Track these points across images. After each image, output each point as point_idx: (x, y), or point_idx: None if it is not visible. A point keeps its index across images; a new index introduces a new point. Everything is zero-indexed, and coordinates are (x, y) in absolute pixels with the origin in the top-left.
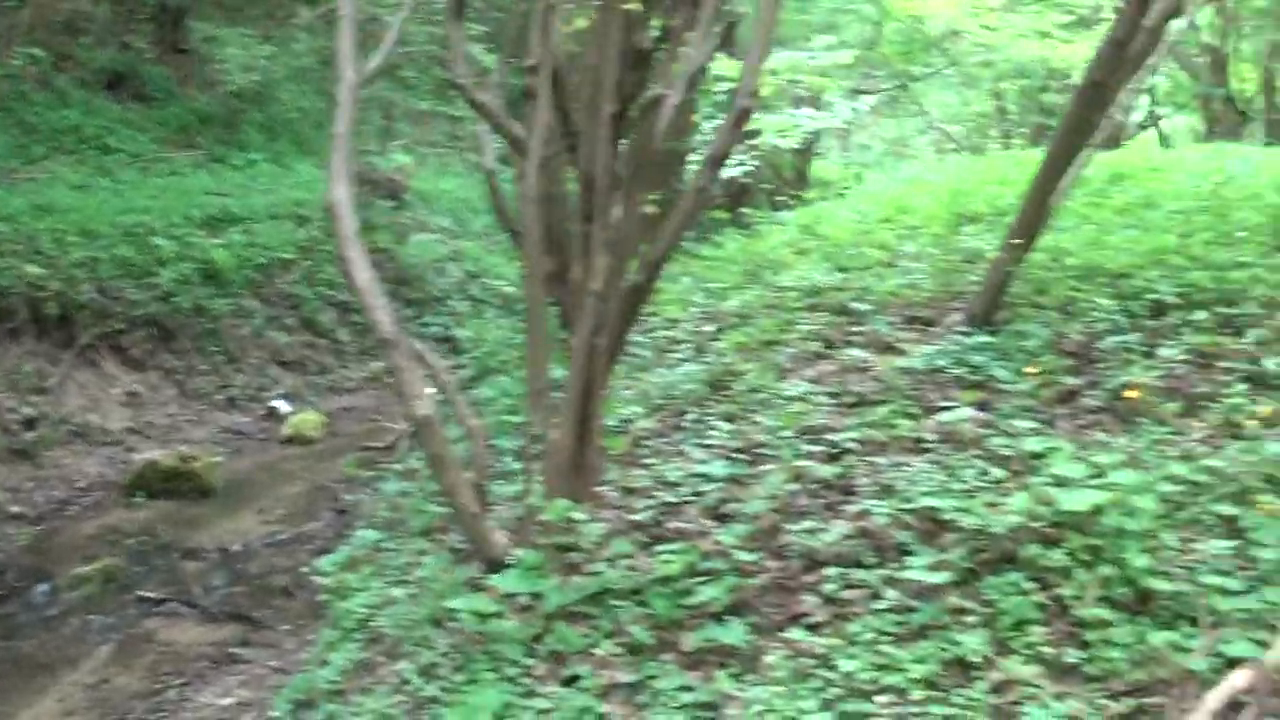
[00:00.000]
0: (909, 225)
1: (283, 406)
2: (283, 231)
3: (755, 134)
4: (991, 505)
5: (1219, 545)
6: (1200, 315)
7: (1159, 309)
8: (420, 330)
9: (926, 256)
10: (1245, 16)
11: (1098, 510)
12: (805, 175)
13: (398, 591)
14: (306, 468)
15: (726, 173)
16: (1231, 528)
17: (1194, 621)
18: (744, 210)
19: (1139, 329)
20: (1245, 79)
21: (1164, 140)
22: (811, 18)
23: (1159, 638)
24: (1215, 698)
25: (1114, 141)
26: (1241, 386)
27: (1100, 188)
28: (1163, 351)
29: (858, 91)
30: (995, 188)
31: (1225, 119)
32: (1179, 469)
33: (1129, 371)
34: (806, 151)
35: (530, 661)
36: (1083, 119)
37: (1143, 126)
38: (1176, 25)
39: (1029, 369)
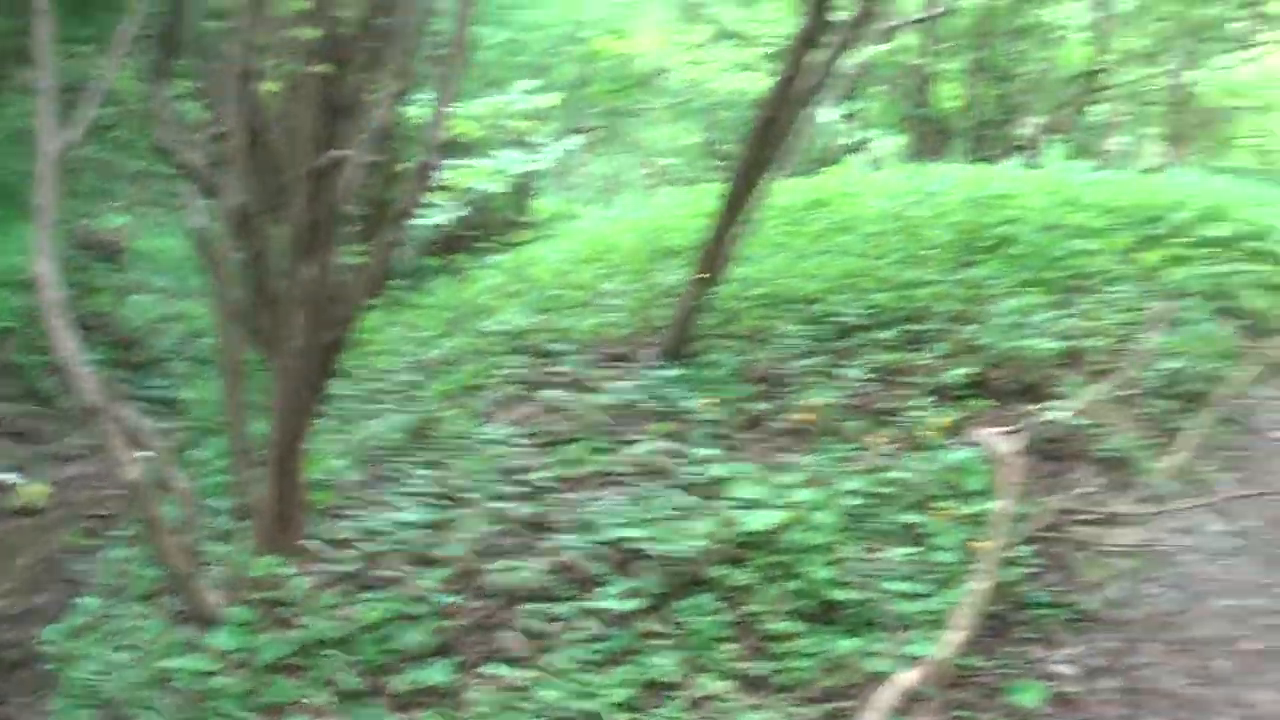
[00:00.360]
0: (611, 263)
1: (9, 478)
2: (1, 299)
3: (447, 187)
4: (680, 532)
5: (901, 552)
6: (885, 334)
7: (846, 331)
8: (142, 393)
9: (625, 294)
10: (948, 37)
11: (780, 528)
12: (523, 216)
13: (122, 656)
14: (35, 539)
15: (435, 220)
16: (913, 535)
17: (879, 627)
18: (456, 256)
19: (827, 351)
20: (951, 98)
21: (873, 162)
22: (525, 59)
23: (845, 645)
24: (886, 696)
25: (820, 166)
26: (924, 400)
27: (798, 214)
28: (849, 372)
29: (574, 131)
30: (696, 221)
31: (931, 138)
32: (861, 483)
33: (814, 393)
34: (523, 193)
35: (248, 715)
36: (758, 153)
37: (852, 150)
38: (872, 51)
39: (705, 399)
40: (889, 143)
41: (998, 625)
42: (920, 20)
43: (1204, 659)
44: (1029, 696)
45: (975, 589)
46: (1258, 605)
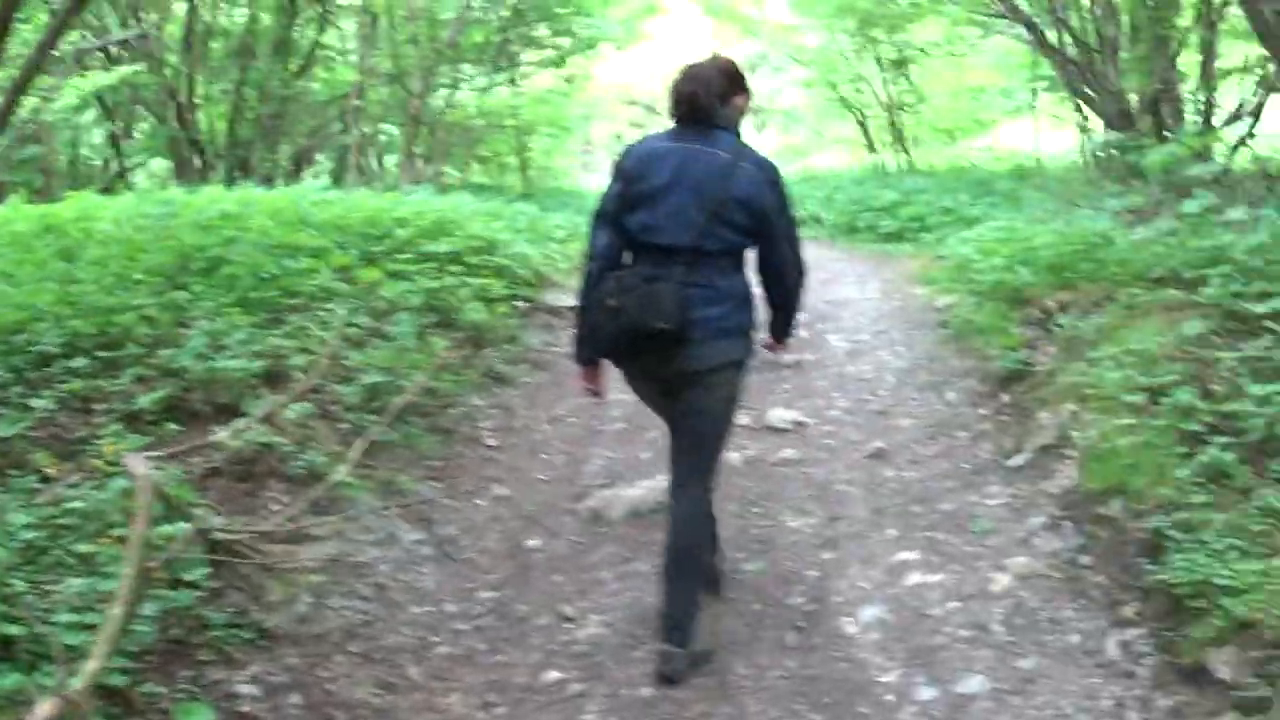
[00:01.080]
0: None
1: None
2: None
3: None
4: None
5: (77, 583)
6: (80, 362)
7: (43, 360)
8: None
9: None
10: (212, 59)
11: None
12: None
13: None
14: None
15: None
16: (88, 564)
17: (52, 660)
18: None
19: (22, 382)
20: (219, 120)
21: (129, 186)
22: None
23: (19, 680)
24: None
25: (83, 189)
26: (116, 427)
27: (29, 241)
28: (41, 402)
29: None
30: None
31: (193, 162)
32: (37, 516)
33: (3, 427)
34: None
35: None
36: None
37: (117, 174)
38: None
39: None
40: (155, 165)
41: (178, 649)
42: (127, 41)
43: (396, 667)
44: (198, 718)
45: (110, 616)
46: (452, 610)
